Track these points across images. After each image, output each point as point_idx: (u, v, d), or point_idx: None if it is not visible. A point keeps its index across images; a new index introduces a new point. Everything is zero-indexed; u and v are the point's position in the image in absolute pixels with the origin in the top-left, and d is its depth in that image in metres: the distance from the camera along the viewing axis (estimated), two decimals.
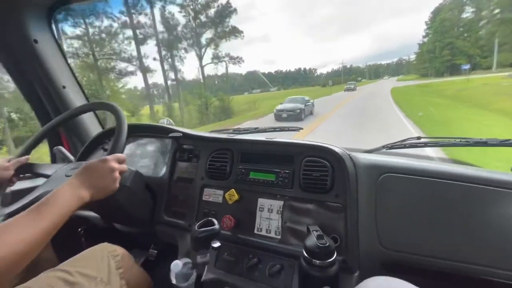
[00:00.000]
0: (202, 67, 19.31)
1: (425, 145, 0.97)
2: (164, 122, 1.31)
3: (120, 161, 0.71)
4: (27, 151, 0.88)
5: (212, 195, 0.89)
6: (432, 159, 1.05)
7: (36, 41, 1.04)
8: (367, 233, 0.69)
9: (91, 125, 1.28)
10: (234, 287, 0.75)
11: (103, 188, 0.65)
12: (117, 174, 0.69)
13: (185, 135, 0.98)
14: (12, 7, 0.96)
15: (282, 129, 1.21)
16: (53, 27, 1.11)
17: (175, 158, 1.00)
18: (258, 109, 17.06)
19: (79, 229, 1.14)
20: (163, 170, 1.00)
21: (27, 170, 0.85)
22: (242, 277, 0.76)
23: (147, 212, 0.95)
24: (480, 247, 0.60)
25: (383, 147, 0.98)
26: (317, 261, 0.58)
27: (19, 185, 1.05)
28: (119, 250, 0.81)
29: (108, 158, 0.68)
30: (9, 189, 0.99)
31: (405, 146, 0.95)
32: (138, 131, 1.11)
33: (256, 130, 1.22)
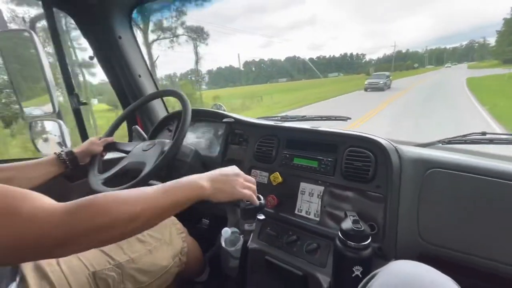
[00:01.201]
0: (148, 45, 11.87)
1: (491, 141, 0.88)
2: (220, 108, 1.45)
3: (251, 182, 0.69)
4: (112, 132, 1.09)
5: (259, 176, 0.99)
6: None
7: (120, 37, 1.25)
8: (407, 225, 0.70)
9: (159, 109, 1.49)
10: (274, 257, 0.84)
11: (224, 192, 0.63)
12: (237, 184, 0.65)
13: (237, 121, 1.09)
14: (102, 9, 1.17)
15: (328, 118, 1.22)
16: (132, 24, 1.31)
17: (227, 141, 1.12)
18: (254, 108, 12.76)
19: None
20: (216, 151, 1.13)
21: (112, 147, 1.06)
22: (281, 250, 0.85)
23: None
24: None
25: (439, 141, 0.93)
26: (352, 243, 0.63)
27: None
28: (176, 220, 0.97)
29: (241, 173, 0.68)
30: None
31: (465, 142, 0.89)
32: (197, 116, 1.26)
33: (303, 118, 1.26)
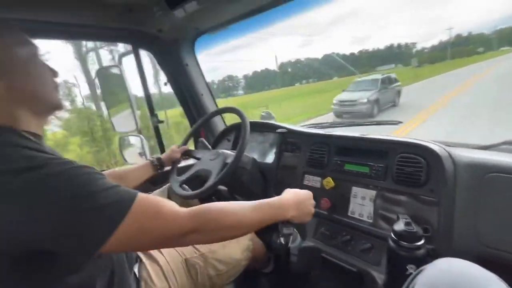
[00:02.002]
0: None
1: None
2: (270, 116, 1.59)
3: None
4: (186, 142, 1.31)
5: (312, 180, 1.08)
6: None
7: (187, 65, 1.49)
8: (464, 229, 0.71)
9: (218, 121, 1.70)
10: (329, 255, 0.93)
11: (302, 215, 0.76)
12: (312, 208, 0.79)
13: (289, 131, 1.21)
14: (173, 44, 1.42)
15: (379, 123, 1.25)
16: (195, 52, 1.54)
17: (281, 149, 1.24)
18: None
19: (212, 197, 1.58)
20: (271, 158, 1.27)
21: (187, 154, 1.29)
22: (336, 248, 0.93)
23: (260, 190, 1.25)
24: None
25: (504, 143, 0.90)
26: (405, 243, 0.68)
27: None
28: None
29: (311, 194, 0.81)
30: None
31: None
32: (252, 127, 1.42)
33: (352, 124, 1.31)
